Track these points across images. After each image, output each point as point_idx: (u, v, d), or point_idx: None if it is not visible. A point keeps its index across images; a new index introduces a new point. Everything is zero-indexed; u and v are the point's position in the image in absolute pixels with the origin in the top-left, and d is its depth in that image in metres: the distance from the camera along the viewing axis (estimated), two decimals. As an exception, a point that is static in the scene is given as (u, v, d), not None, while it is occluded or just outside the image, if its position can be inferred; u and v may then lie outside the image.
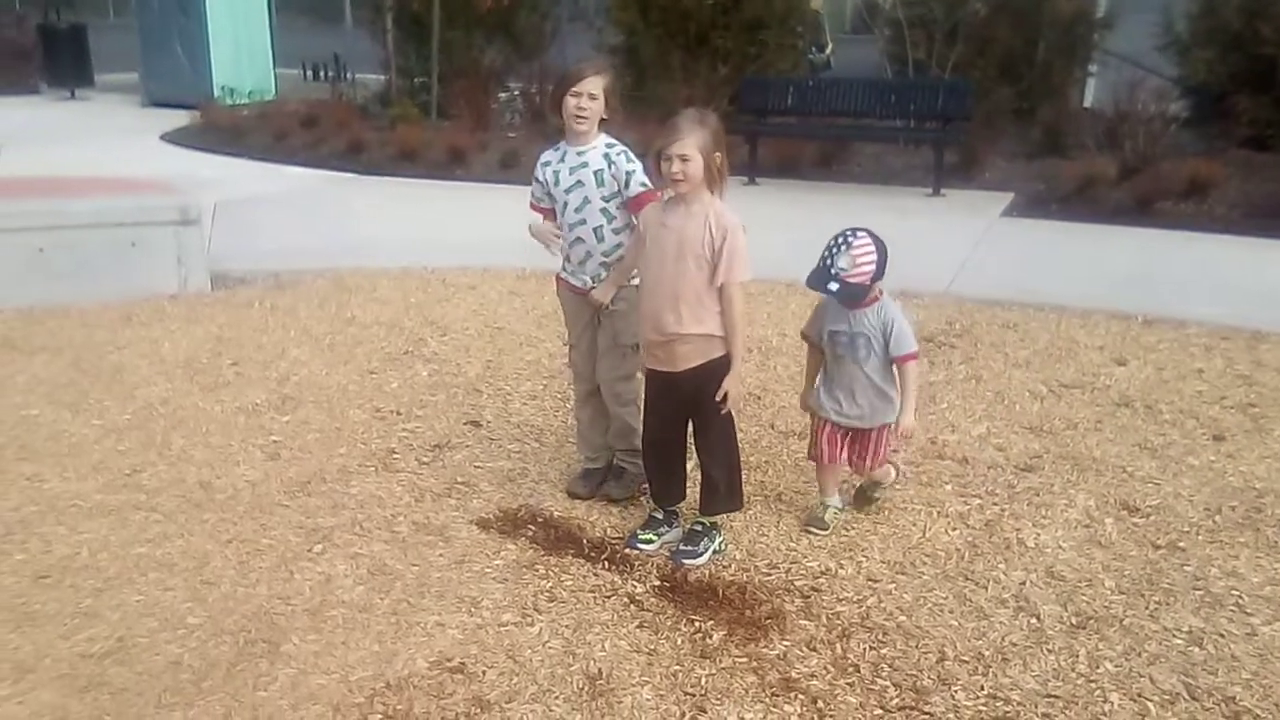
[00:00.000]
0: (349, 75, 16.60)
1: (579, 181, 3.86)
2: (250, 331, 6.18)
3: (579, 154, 3.86)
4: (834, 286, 3.65)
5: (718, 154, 3.46)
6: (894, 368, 3.80)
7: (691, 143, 3.39)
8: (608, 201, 3.86)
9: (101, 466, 4.45)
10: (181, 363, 5.64)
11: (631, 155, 3.87)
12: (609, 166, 3.83)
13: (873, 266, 3.64)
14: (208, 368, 5.58)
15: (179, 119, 14.38)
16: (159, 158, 12.09)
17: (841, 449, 3.89)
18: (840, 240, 3.67)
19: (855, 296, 3.70)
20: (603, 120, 3.85)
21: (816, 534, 3.90)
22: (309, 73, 18.32)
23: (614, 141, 3.89)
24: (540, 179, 3.97)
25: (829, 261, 3.66)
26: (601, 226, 3.88)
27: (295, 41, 19.76)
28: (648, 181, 3.82)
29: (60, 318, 6.34)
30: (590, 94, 3.76)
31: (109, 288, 6.68)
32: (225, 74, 16.34)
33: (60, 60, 17.99)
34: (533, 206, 4.07)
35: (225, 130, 13.30)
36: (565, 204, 3.90)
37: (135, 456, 4.55)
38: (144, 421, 4.90)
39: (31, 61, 18.32)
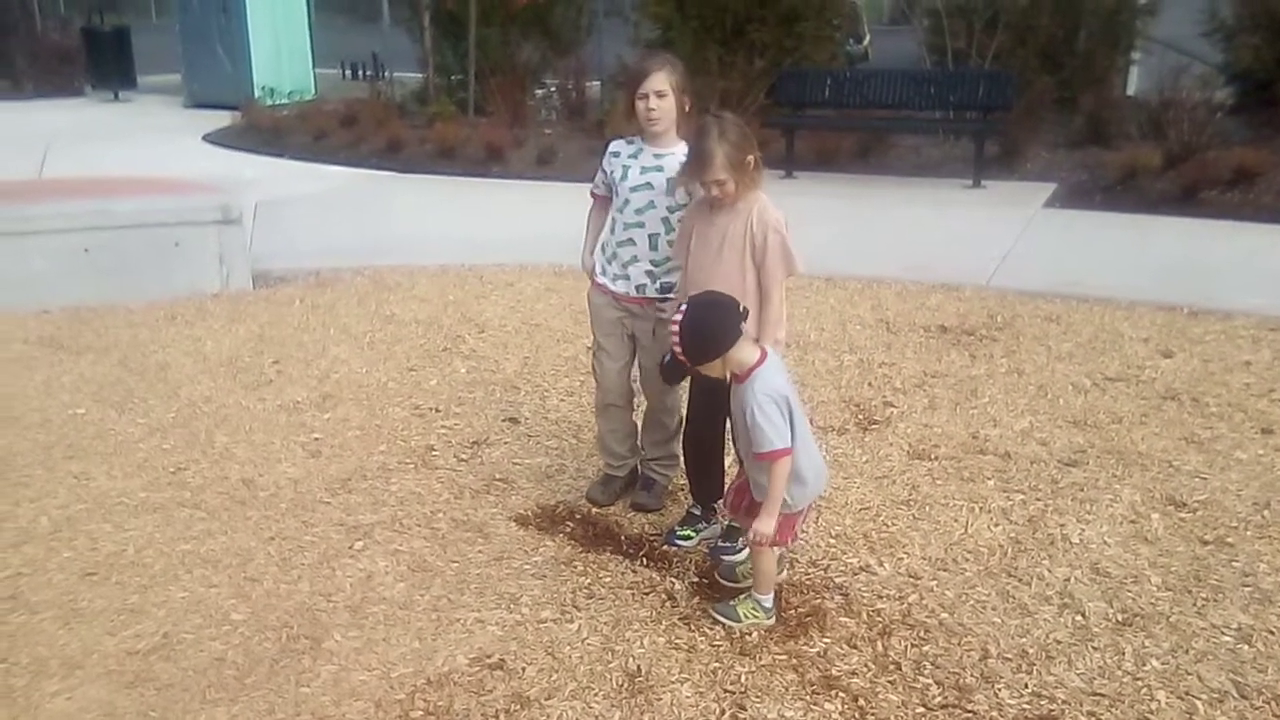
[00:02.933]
0: (387, 74, 16.70)
1: (649, 184, 3.75)
2: (291, 330, 6.23)
3: (656, 156, 3.75)
4: (666, 358, 3.33)
5: (749, 157, 3.40)
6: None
7: (719, 164, 3.34)
8: (672, 212, 3.75)
9: (147, 465, 4.51)
10: (224, 361, 5.70)
11: None
12: None
13: (679, 346, 3.15)
14: (250, 366, 5.64)
15: (220, 119, 14.54)
16: (201, 158, 12.22)
17: (742, 503, 3.41)
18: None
19: (675, 374, 3.35)
20: (687, 113, 3.72)
21: (722, 621, 3.36)
22: (348, 72, 18.45)
23: None
24: (605, 169, 3.87)
25: None
26: (658, 235, 3.78)
27: (334, 41, 19.90)
28: None
29: (106, 317, 6.42)
30: (657, 92, 3.63)
31: (153, 287, 6.77)
32: (265, 74, 16.49)
33: (104, 62, 18.22)
34: (592, 194, 3.99)
35: (266, 130, 13.43)
36: (627, 201, 3.80)
37: (180, 454, 4.60)
38: (188, 420, 4.96)
39: (76, 64, 18.58)
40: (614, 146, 3.89)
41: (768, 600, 3.37)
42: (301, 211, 9.44)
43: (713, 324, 3.14)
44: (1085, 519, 3.96)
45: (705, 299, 3.24)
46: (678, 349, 3.15)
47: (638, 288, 3.85)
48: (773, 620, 3.36)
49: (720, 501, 3.72)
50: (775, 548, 3.35)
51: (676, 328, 3.14)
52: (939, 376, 5.38)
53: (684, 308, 3.18)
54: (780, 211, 3.50)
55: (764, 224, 3.44)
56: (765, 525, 3.17)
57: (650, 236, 3.79)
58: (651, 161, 3.76)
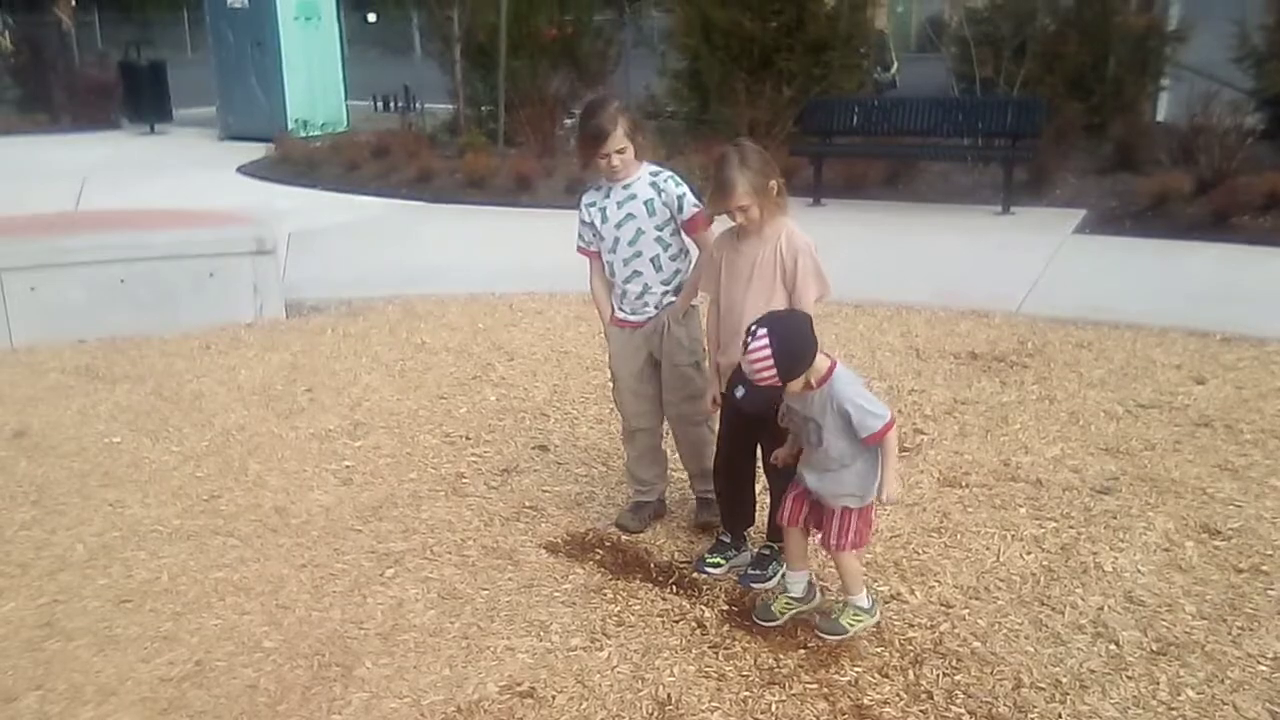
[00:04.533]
0: (418, 105, 16.87)
1: (629, 214, 3.83)
2: (324, 358, 6.29)
3: (625, 188, 3.83)
4: (739, 392, 3.27)
5: (772, 183, 3.44)
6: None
7: (743, 192, 3.39)
8: (661, 230, 3.83)
9: (181, 493, 4.55)
10: (258, 390, 5.76)
11: (679, 178, 3.85)
12: (659, 195, 3.80)
13: (772, 369, 3.09)
14: (283, 394, 5.69)
15: (255, 151, 14.72)
16: (235, 190, 12.37)
17: (801, 513, 3.41)
18: (745, 338, 3.17)
19: (766, 404, 3.27)
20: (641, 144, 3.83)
21: (760, 624, 3.47)
22: (380, 104, 18.66)
23: (658, 169, 3.87)
24: (586, 220, 3.95)
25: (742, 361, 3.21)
26: (658, 255, 3.86)
27: (366, 73, 20.15)
28: (698, 201, 3.82)
29: (141, 347, 6.50)
30: (617, 150, 3.73)
31: (188, 317, 6.85)
32: (299, 107, 16.68)
33: (140, 96, 18.49)
34: (580, 251, 4.04)
35: (299, 162, 13.56)
36: (617, 239, 3.87)
37: (213, 482, 4.65)
38: (222, 448, 5.01)
39: (112, 98, 18.86)
40: (586, 199, 3.96)
41: (863, 600, 3.41)
42: (334, 241, 9.54)
43: (802, 339, 3.15)
44: (1118, 547, 3.93)
45: (780, 318, 3.21)
46: (769, 373, 3.09)
47: (656, 308, 3.93)
48: (877, 617, 3.42)
49: (778, 518, 3.58)
50: (855, 550, 3.37)
51: (762, 355, 3.08)
52: (969, 403, 5.36)
53: (760, 334, 3.10)
54: (808, 236, 3.52)
55: (794, 248, 3.47)
56: (891, 488, 3.23)
57: (652, 260, 3.87)
58: (623, 194, 3.85)
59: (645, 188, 3.82)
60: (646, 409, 4.08)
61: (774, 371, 3.09)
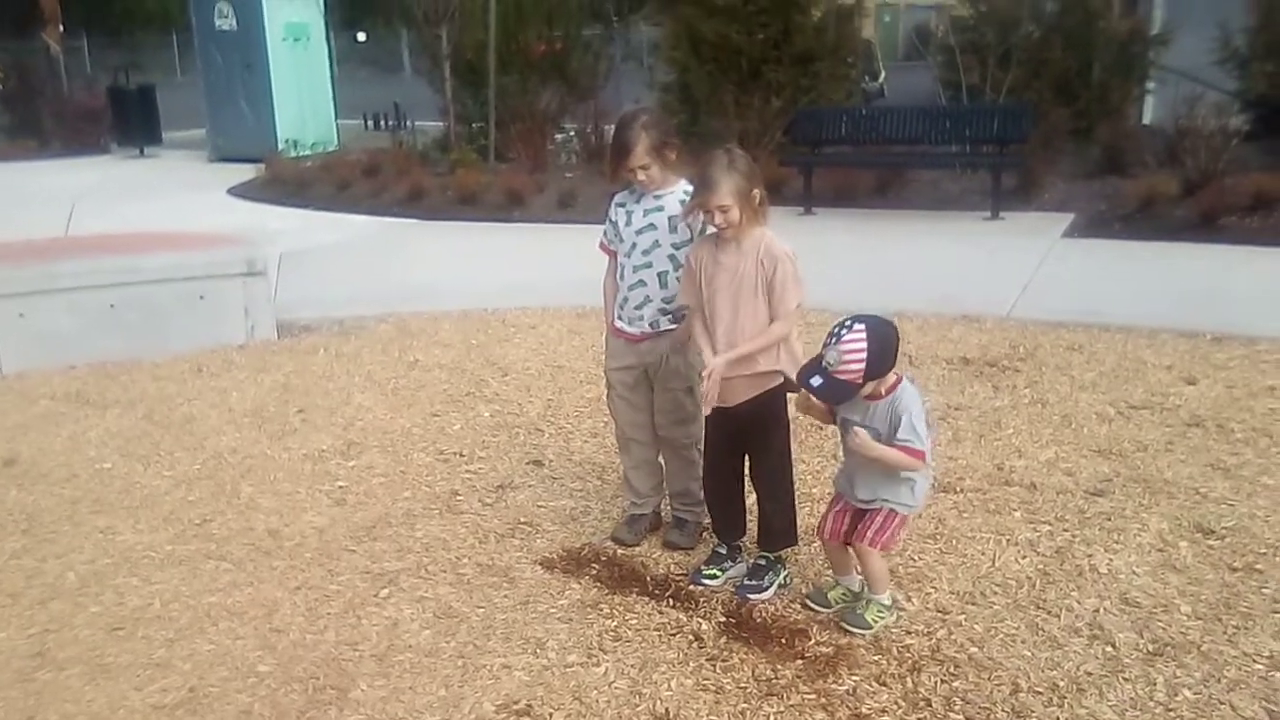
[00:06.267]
0: (409, 123, 16.89)
1: (651, 224, 3.83)
2: (316, 379, 6.27)
3: (656, 197, 3.83)
4: (816, 381, 3.24)
5: (755, 190, 3.47)
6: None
7: (725, 191, 3.41)
8: (677, 249, 3.81)
9: (173, 517, 4.53)
10: (250, 412, 5.75)
11: None
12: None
13: (862, 364, 3.17)
14: (275, 416, 5.68)
15: (245, 173, 14.69)
16: (226, 211, 12.36)
17: (842, 528, 3.50)
18: (835, 329, 3.25)
19: (840, 396, 3.27)
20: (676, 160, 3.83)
21: (812, 607, 3.62)
22: (370, 122, 18.68)
23: (691, 188, 3.86)
24: (613, 219, 3.96)
25: (822, 351, 3.26)
26: (666, 273, 3.84)
27: (356, 92, 20.17)
28: None
29: (132, 371, 6.49)
30: (640, 166, 3.73)
31: (179, 340, 6.83)
32: (289, 127, 16.69)
33: (130, 120, 18.49)
34: (602, 247, 4.05)
35: (290, 182, 13.55)
36: (633, 245, 3.87)
37: (205, 506, 4.63)
38: (214, 471, 4.99)
39: (101, 122, 18.88)
40: (618, 198, 3.97)
41: (887, 599, 3.51)
42: (325, 261, 9.54)
43: (891, 346, 3.28)
44: (1113, 549, 3.93)
45: (875, 320, 3.30)
46: (857, 365, 3.17)
47: (651, 324, 3.91)
48: (895, 616, 3.52)
49: (818, 533, 3.66)
50: (882, 550, 3.45)
51: (858, 346, 3.17)
52: (962, 409, 5.36)
53: (858, 327, 3.21)
54: (791, 246, 3.54)
55: (773, 256, 3.50)
56: (872, 454, 3.27)
57: (659, 275, 3.85)
58: (652, 204, 3.85)
59: (675, 203, 3.80)
60: (639, 420, 4.08)
61: (863, 365, 3.18)
